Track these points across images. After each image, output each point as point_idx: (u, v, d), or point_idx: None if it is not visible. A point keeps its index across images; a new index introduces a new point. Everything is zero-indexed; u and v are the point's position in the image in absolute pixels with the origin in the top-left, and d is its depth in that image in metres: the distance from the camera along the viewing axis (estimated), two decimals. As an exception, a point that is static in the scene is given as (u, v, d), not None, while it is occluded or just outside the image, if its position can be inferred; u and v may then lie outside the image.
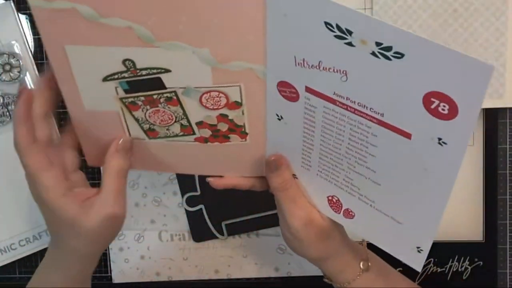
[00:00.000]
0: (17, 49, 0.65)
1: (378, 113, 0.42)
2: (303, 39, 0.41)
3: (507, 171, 0.65)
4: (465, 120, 0.37)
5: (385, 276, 0.55)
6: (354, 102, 0.42)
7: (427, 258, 0.64)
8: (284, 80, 0.45)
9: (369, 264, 0.54)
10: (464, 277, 0.65)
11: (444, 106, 0.38)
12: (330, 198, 0.51)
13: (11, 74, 0.65)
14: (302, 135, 0.48)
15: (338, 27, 0.38)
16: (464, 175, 0.65)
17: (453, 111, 0.37)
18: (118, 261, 0.67)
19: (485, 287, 0.65)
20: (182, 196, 0.65)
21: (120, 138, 0.49)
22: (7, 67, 0.65)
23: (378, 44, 0.37)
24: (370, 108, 0.42)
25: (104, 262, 0.68)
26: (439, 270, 0.65)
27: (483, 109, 0.63)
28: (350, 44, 0.39)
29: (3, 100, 0.65)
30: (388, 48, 0.38)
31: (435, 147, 0.40)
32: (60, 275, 0.49)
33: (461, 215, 0.65)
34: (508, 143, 0.64)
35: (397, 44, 0.37)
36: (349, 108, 0.43)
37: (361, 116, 0.43)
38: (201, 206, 0.65)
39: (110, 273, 0.68)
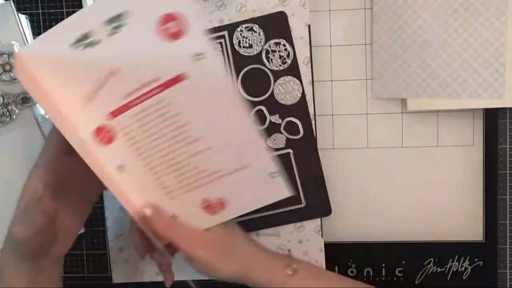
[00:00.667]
0: (17, 49, 0.65)
1: (153, 79, 0.45)
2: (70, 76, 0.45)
3: (507, 171, 0.65)
4: (199, 27, 0.41)
5: (316, 278, 0.55)
6: (138, 89, 0.45)
7: (427, 258, 0.65)
8: (97, 126, 0.47)
9: (295, 267, 0.54)
10: (464, 277, 0.65)
11: (173, 25, 0.41)
12: (203, 205, 0.52)
13: (11, 74, 0.65)
14: (143, 164, 0.49)
15: (79, 39, 0.42)
16: (464, 175, 0.65)
17: (184, 25, 0.41)
18: (118, 261, 0.67)
19: (485, 287, 0.65)
20: None
21: None
22: (7, 67, 0.65)
23: (108, 22, 0.41)
24: (148, 82, 0.45)
25: (104, 262, 0.68)
26: (439, 270, 0.65)
27: (483, 109, 0.63)
28: (92, 43, 0.42)
29: (3, 100, 0.65)
30: (113, 19, 0.42)
31: (199, 64, 0.43)
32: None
33: (461, 215, 0.65)
34: (508, 143, 0.64)
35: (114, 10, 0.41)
36: (141, 98, 0.46)
37: (152, 96, 0.45)
38: None
39: (110, 273, 0.68)
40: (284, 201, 0.63)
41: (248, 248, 0.56)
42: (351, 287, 0.57)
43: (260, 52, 0.62)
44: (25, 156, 0.65)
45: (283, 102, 0.62)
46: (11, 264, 0.51)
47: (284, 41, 0.61)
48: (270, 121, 0.63)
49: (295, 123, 0.63)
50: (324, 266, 0.64)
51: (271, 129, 0.63)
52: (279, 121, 0.62)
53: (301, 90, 0.62)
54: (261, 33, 0.62)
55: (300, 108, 0.62)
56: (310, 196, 0.64)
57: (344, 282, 0.57)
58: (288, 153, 0.63)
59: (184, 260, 0.54)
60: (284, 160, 0.63)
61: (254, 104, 0.63)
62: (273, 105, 0.62)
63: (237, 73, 0.62)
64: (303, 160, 0.63)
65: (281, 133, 0.63)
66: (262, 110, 0.63)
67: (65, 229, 0.53)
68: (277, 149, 0.63)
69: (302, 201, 0.64)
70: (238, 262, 0.54)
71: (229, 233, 0.54)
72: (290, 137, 0.63)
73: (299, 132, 0.63)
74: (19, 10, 0.66)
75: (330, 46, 0.65)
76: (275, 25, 0.61)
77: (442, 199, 0.65)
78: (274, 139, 0.63)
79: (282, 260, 0.55)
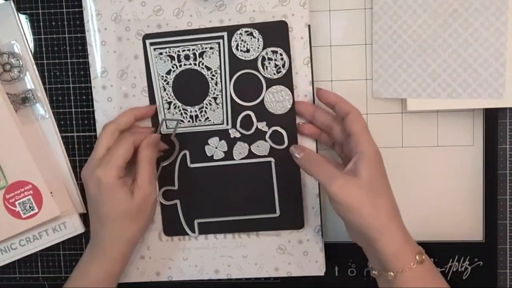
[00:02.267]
0: (17, 49, 0.65)
1: None
2: None
3: (507, 171, 0.65)
4: None
5: (435, 277, 0.55)
6: None
7: (427, 258, 0.65)
8: None
9: (424, 257, 0.54)
10: (464, 277, 0.65)
11: None
12: None
13: (11, 74, 0.65)
14: None
15: None
16: (464, 175, 0.65)
17: None
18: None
19: (485, 287, 0.65)
20: (159, 189, 0.65)
21: (150, 135, 0.61)
22: (7, 67, 0.65)
23: None
24: None
25: (104, 262, 0.68)
26: (439, 270, 0.65)
27: (483, 109, 0.63)
28: None
29: (3, 100, 0.65)
30: None
31: None
32: (98, 267, 0.59)
33: (461, 215, 0.65)
34: (508, 143, 0.64)
35: None
36: None
37: None
38: (177, 201, 0.65)
39: (110, 273, 0.68)
40: (260, 207, 0.63)
41: (390, 212, 0.55)
42: None
43: (257, 58, 0.62)
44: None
45: (271, 111, 0.62)
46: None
47: (282, 50, 0.62)
48: (257, 127, 0.63)
49: (281, 133, 0.63)
50: (324, 266, 0.65)
51: (257, 136, 0.63)
52: (265, 128, 0.63)
53: (292, 102, 0.62)
54: (260, 39, 0.62)
55: (288, 119, 0.62)
56: (285, 207, 0.64)
57: None
58: (270, 161, 0.63)
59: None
60: (264, 168, 0.63)
61: (243, 108, 0.63)
62: (262, 112, 0.63)
63: (231, 75, 0.62)
64: (283, 171, 0.63)
65: (265, 141, 0.63)
66: (250, 116, 0.63)
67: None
68: (259, 156, 0.63)
69: (277, 211, 0.64)
70: (377, 219, 0.53)
71: (375, 186, 0.54)
72: (274, 146, 0.63)
73: (283, 143, 0.63)
74: (19, 10, 0.66)
75: (330, 46, 0.65)
76: (275, 34, 0.61)
77: (442, 199, 0.65)
78: (258, 146, 0.63)
79: (413, 246, 0.54)
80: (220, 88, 0.63)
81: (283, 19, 0.61)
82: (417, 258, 0.53)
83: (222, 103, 0.63)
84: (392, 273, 0.53)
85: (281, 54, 0.62)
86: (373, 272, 0.57)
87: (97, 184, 0.58)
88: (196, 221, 0.65)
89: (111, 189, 0.57)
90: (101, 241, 0.59)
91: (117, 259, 0.60)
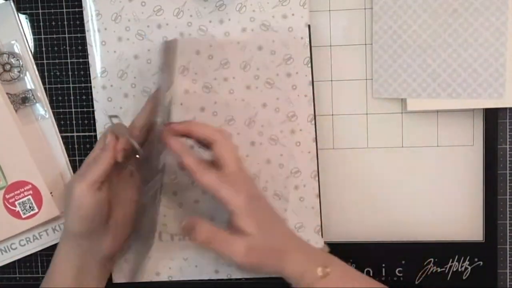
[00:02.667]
0: (17, 49, 0.65)
1: None
2: None
3: (507, 171, 0.65)
4: None
5: (347, 283, 0.55)
6: None
7: (427, 258, 0.65)
8: None
9: (328, 270, 0.54)
10: (464, 277, 0.65)
11: None
12: None
13: (11, 74, 0.65)
14: None
15: None
16: (464, 175, 0.65)
17: None
18: (118, 261, 0.67)
19: (485, 287, 0.65)
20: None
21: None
22: (7, 67, 0.65)
23: None
24: None
25: (104, 262, 0.68)
26: (439, 270, 0.65)
27: (483, 109, 0.63)
28: None
29: (3, 100, 0.65)
30: None
31: None
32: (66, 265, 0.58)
33: (461, 215, 0.65)
34: (508, 143, 0.64)
35: None
36: None
37: None
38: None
39: (110, 273, 0.68)
40: None
41: (283, 239, 0.56)
42: None
43: None
44: (25, 156, 0.65)
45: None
46: (63, 254, 0.58)
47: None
48: None
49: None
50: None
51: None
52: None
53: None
54: None
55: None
56: None
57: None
58: None
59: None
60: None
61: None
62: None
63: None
64: None
65: None
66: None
67: (115, 228, 0.58)
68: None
69: None
70: (275, 258, 0.54)
71: (266, 231, 0.54)
72: None
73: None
74: (19, 10, 0.66)
75: (330, 46, 0.65)
76: None
77: (442, 199, 0.65)
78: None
79: (318, 259, 0.55)
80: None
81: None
82: (320, 273, 0.54)
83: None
84: None
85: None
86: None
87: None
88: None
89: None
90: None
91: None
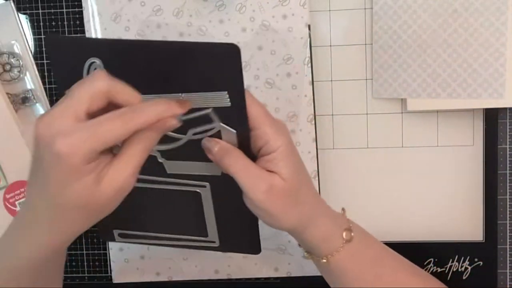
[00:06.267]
0: (17, 49, 0.65)
1: None
2: None
3: (507, 171, 0.65)
4: None
5: (368, 248, 0.54)
6: None
7: (427, 258, 0.65)
8: None
9: (352, 234, 0.52)
10: (464, 277, 0.65)
11: None
12: None
13: (11, 74, 0.65)
14: None
15: None
16: (464, 175, 0.65)
17: None
18: (118, 261, 0.67)
19: (485, 287, 0.65)
20: None
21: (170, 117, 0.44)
22: (7, 67, 0.65)
23: None
24: None
25: (104, 262, 0.68)
26: (439, 270, 0.65)
27: (483, 109, 0.63)
28: None
29: (3, 100, 0.65)
30: None
31: None
32: (28, 245, 0.45)
33: (461, 215, 0.65)
34: (508, 143, 0.64)
35: None
36: None
37: None
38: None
39: (110, 273, 0.68)
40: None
41: (313, 201, 0.52)
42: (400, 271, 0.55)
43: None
44: (25, 156, 0.65)
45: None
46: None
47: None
48: None
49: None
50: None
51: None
52: None
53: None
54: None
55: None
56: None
57: (390, 254, 0.55)
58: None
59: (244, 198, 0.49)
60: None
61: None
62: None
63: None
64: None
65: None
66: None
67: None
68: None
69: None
70: (301, 216, 0.50)
71: (300, 184, 0.49)
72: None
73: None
74: (19, 10, 0.66)
75: (330, 46, 0.65)
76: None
77: (442, 199, 0.65)
78: None
79: (343, 223, 0.53)
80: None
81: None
82: (344, 237, 0.52)
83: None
84: (324, 259, 0.52)
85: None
86: (304, 255, 0.55)
87: (56, 161, 0.40)
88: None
89: (73, 174, 0.40)
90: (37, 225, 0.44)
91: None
